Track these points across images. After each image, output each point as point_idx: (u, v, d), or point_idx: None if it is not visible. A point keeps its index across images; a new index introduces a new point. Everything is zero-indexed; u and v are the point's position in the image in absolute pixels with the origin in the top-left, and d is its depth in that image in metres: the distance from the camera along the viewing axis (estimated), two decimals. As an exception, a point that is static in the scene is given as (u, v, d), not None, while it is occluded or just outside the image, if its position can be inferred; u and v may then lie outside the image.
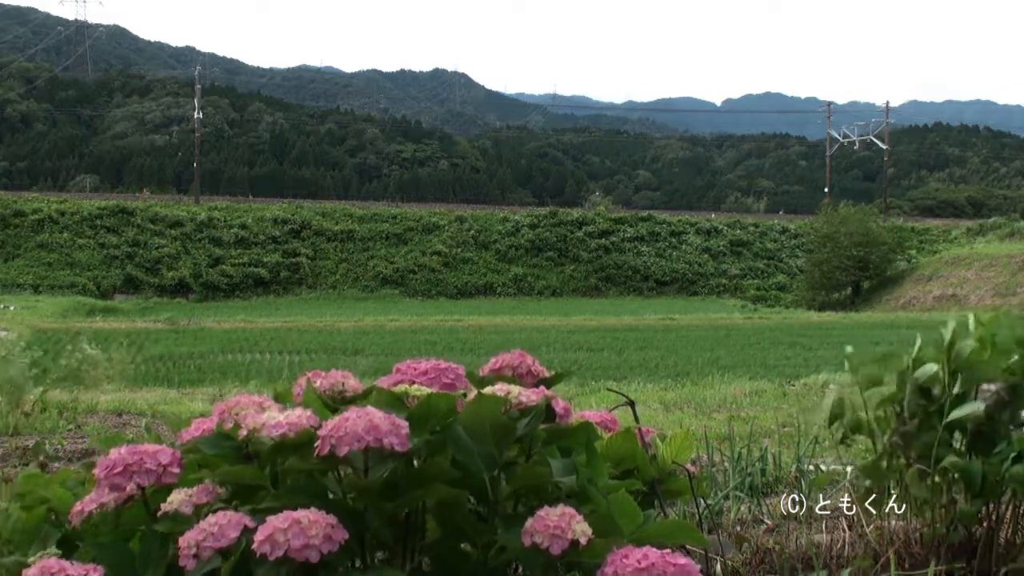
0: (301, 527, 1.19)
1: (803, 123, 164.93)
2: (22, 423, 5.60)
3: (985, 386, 1.83)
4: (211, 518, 1.25)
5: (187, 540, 1.23)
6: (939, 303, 34.97)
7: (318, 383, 1.54)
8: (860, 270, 40.80)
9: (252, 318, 28.27)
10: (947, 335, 1.88)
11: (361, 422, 1.27)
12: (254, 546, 1.19)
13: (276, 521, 1.20)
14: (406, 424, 1.30)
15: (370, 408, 1.31)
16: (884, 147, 63.57)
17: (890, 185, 72.86)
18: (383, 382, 1.50)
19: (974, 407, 1.79)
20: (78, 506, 1.39)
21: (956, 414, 1.80)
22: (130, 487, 1.36)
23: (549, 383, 1.56)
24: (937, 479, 1.85)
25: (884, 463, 1.98)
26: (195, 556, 1.22)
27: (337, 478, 1.37)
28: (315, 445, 1.29)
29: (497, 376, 1.54)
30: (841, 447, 2.10)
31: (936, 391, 1.87)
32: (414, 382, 1.47)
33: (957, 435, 1.89)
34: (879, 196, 66.25)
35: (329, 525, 1.21)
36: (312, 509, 1.23)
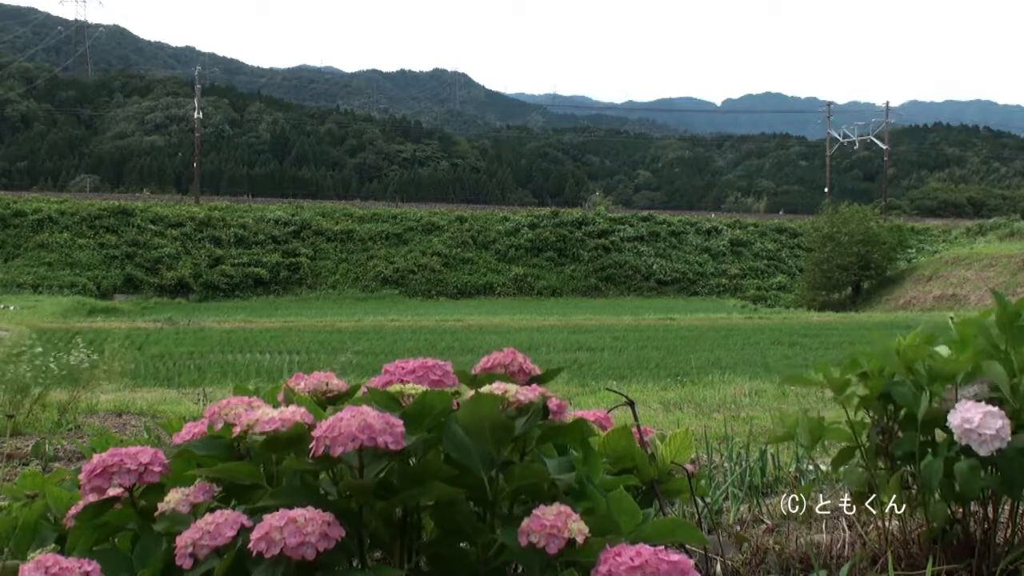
0: (297, 525, 1.19)
1: (803, 123, 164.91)
2: (21, 423, 5.59)
3: (968, 387, 1.83)
4: (208, 517, 1.25)
5: (184, 539, 1.23)
6: (939, 303, 34.97)
7: (301, 384, 1.54)
8: (860, 270, 40.82)
9: (252, 318, 28.27)
10: (909, 338, 1.88)
11: (355, 421, 1.27)
12: (250, 545, 1.19)
13: (272, 519, 1.20)
14: (400, 423, 1.30)
15: (364, 407, 1.31)
16: (884, 147, 63.56)
17: (890, 185, 72.86)
18: (373, 383, 1.50)
19: (926, 405, 1.79)
20: (73, 509, 1.40)
21: (920, 414, 1.80)
22: (113, 488, 1.36)
23: (541, 381, 1.56)
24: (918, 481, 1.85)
25: (864, 466, 1.99)
26: (192, 555, 1.22)
27: (332, 478, 1.37)
28: (310, 446, 1.29)
29: (489, 375, 1.54)
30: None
31: (904, 393, 1.87)
32: (403, 381, 1.47)
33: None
34: (879, 196, 66.23)
35: (325, 523, 1.21)
36: (309, 508, 1.23)
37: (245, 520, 1.25)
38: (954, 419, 1.72)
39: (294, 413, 1.35)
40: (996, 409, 1.72)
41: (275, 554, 1.18)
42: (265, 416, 1.33)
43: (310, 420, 1.35)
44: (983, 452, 1.68)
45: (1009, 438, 1.69)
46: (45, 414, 5.97)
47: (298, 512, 1.21)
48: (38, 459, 4.49)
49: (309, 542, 1.18)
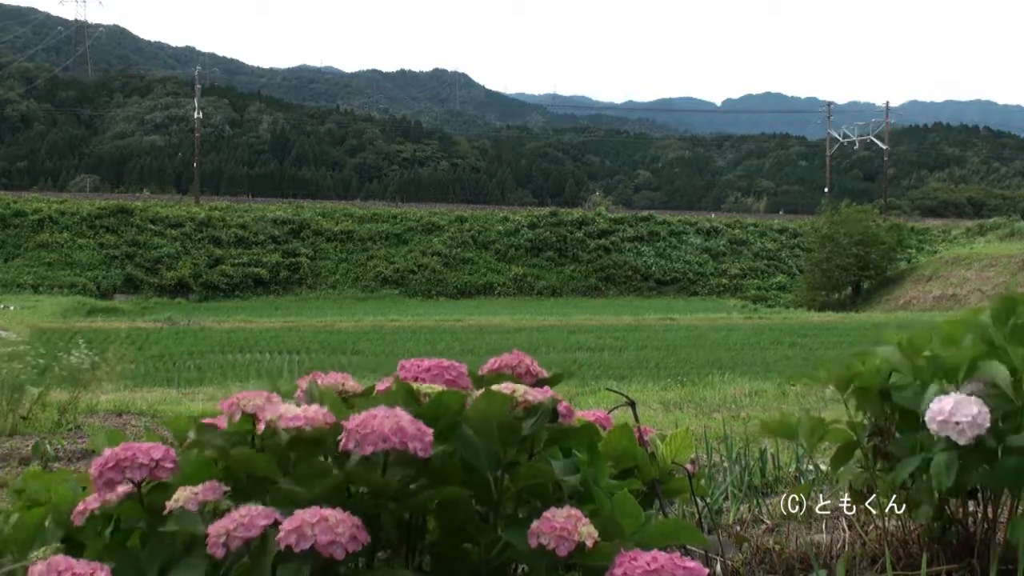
0: (328, 524, 1.21)
1: (803, 123, 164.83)
2: (21, 423, 5.60)
3: (966, 385, 1.82)
4: (243, 509, 1.26)
5: (217, 528, 1.24)
6: (939, 303, 34.98)
7: (318, 383, 1.55)
8: (860, 270, 40.83)
9: (252, 318, 28.28)
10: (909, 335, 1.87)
11: (389, 423, 1.27)
12: (279, 537, 1.20)
13: (304, 515, 1.22)
14: (430, 431, 1.31)
15: (398, 409, 1.31)
16: (884, 147, 63.57)
17: (890, 185, 72.85)
18: (387, 382, 1.51)
19: (927, 403, 1.77)
20: (81, 505, 1.40)
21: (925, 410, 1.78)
22: (123, 484, 1.37)
23: (548, 384, 1.56)
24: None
25: (863, 467, 1.99)
26: (224, 545, 1.23)
27: (346, 478, 1.37)
28: (339, 438, 1.29)
29: (496, 376, 1.54)
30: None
31: (906, 394, 1.86)
32: (417, 378, 1.48)
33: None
34: (879, 196, 66.24)
35: (355, 526, 1.23)
36: (338, 509, 1.24)
37: (279, 515, 1.26)
38: (928, 414, 1.70)
39: (317, 412, 1.35)
40: (972, 397, 1.69)
41: (305, 548, 1.18)
42: (289, 413, 1.34)
43: (332, 420, 1.35)
44: (962, 442, 1.65)
45: (988, 424, 1.65)
46: (45, 414, 5.97)
47: (329, 512, 1.22)
48: (38, 459, 4.49)
49: (339, 542, 1.19)
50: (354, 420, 1.29)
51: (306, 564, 1.20)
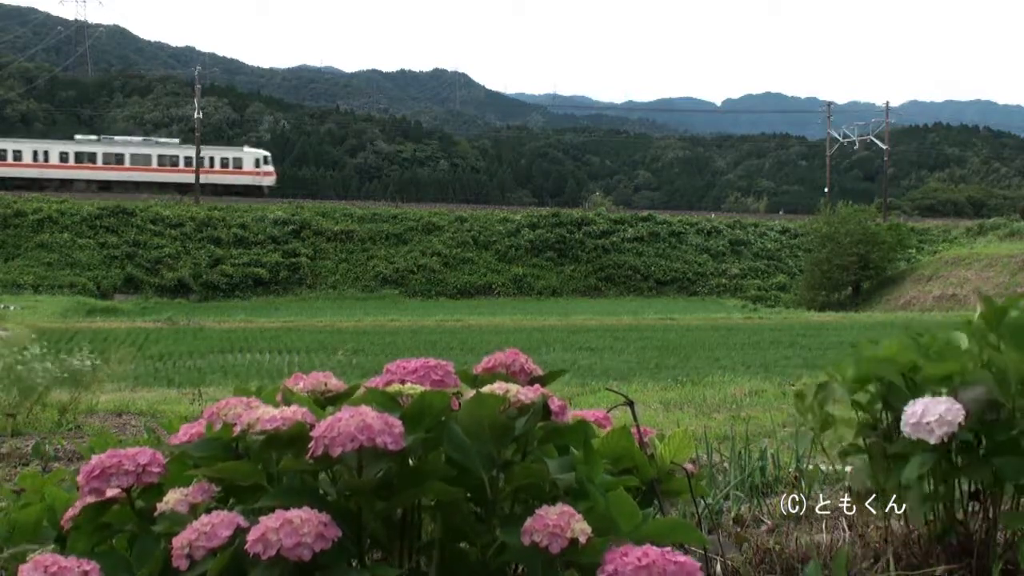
0: (293, 526, 1.20)
1: (803, 123, 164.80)
2: (21, 423, 5.59)
3: (965, 391, 1.82)
4: (204, 518, 1.26)
5: (181, 540, 1.24)
6: (939, 303, 34.99)
7: (300, 384, 1.54)
8: (860, 270, 40.83)
9: (252, 318, 28.27)
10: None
11: (354, 422, 1.26)
12: (247, 546, 1.20)
13: (268, 521, 1.21)
14: (399, 423, 1.30)
15: (363, 407, 1.30)
16: (884, 147, 63.54)
17: (890, 185, 72.83)
18: (374, 383, 1.50)
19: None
20: (70, 511, 1.40)
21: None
22: (111, 490, 1.36)
23: (543, 381, 1.55)
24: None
25: (867, 468, 1.98)
26: (188, 556, 1.22)
27: (331, 478, 1.37)
28: (309, 445, 1.29)
29: (490, 375, 1.54)
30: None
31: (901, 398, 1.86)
32: (404, 381, 1.47)
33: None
34: (879, 196, 66.18)
35: (321, 523, 1.22)
36: (305, 508, 1.23)
37: (241, 521, 1.25)
38: (903, 418, 1.71)
39: (295, 412, 1.35)
40: (941, 397, 1.70)
41: (272, 555, 1.18)
42: (266, 415, 1.34)
43: (311, 420, 1.35)
44: (932, 440, 1.66)
45: (961, 420, 1.65)
46: (45, 414, 5.97)
47: (294, 513, 1.21)
48: (38, 459, 4.49)
49: (305, 543, 1.19)
50: (320, 426, 1.28)
51: (276, 568, 1.19)
